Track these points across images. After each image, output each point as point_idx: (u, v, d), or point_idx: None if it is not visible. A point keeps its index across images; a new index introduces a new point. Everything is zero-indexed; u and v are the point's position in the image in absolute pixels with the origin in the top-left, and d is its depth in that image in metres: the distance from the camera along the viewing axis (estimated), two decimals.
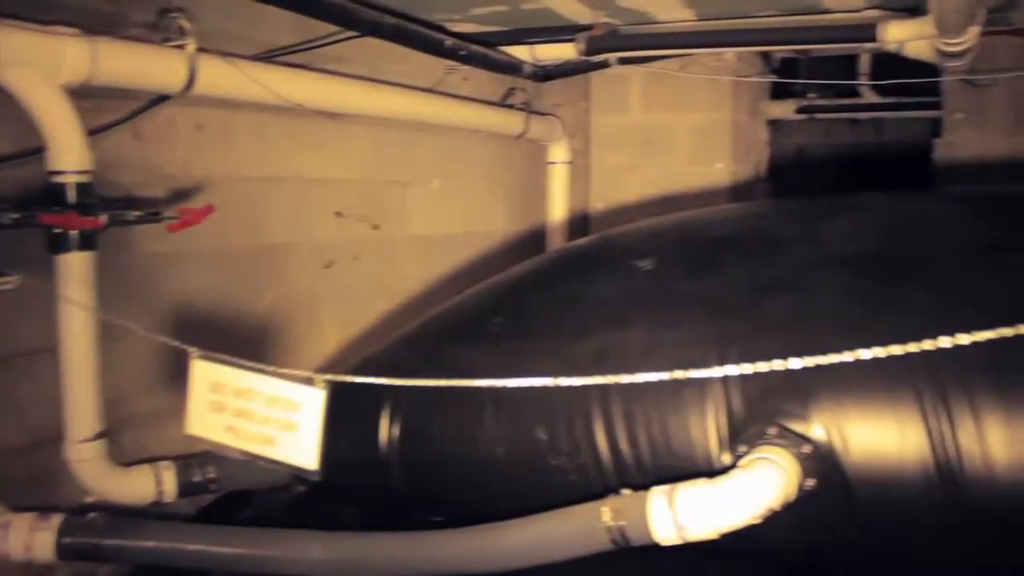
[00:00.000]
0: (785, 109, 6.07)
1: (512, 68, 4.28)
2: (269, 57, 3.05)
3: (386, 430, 2.35)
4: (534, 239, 5.07)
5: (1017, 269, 1.99)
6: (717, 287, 2.22)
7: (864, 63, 5.68)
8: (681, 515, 1.72)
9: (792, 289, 2.13)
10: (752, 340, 2.00)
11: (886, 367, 1.87)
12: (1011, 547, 1.91)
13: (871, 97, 6.03)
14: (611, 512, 1.78)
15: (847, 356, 1.55)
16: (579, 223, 5.05)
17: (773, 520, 1.78)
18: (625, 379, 1.70)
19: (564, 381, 1.76)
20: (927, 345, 1.49)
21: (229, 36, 2.89)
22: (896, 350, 1.52)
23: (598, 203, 4.94)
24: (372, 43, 3.42)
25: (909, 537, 1.96)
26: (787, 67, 5.65)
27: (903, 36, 3.41)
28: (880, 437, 1.87)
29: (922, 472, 1.85)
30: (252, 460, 1.89)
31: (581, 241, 3.06)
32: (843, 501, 1.91)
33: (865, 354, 1.52)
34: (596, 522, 1.80)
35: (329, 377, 1.83)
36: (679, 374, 1.67)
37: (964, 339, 1.46)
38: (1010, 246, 2.08)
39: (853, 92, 5.99)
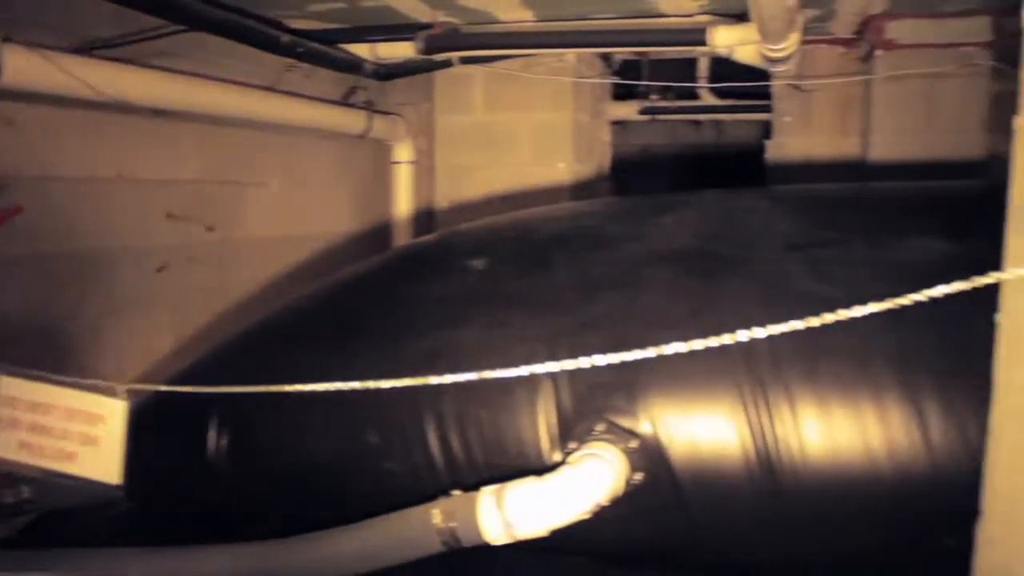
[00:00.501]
0: (628, 110, 6.22)
1: (353, 66, 4.22)
2: (88, 50, 2.89)
3: (214, 439, 2.26)
4: (379, 239, 5.01)
5: (827, 262, 2.08)
6: (548, 285, 2.23)
7: (703, 67, 5.87)
8: (510, 514, 1.72)
9: (621, 286, 2.16)
10: (580, 337, 2.02)
11: (707, 361, 1.93)
12: (829, 531, 1.99)
13: (710, 100, 6.24)
14: (441, 514, 1.77)
15: (667, 350, 1.57)
16: (424, 222, 5.03)
17: (603, 514, 1.80)
18: (449, 379, 1.69)
19: (388, 383, 1.73)
20: (740, 337, 1.53)
21: (46, 27, 2.73)
22: (712, 342, 1.55)
23: (443, 202, 4.93)
24: (207, 38, 3.30)
25: (735, 526, 2.01)
26: (630, 69, 5.79)
27: (731, 41, 3.55)
28: (703, 430, 1.92)
29: (744, 462, 1.91)
30: (50, 478, 1.77)
31: (417, 241, 3.04)
32: (670, 493, 1.95)
33: (681, 347, 1.55)
34: (427, 525, 1.78)
35: (131, 387, 1.74)
36: (505, 373, 1.66)
37: (775, 330, 1.50)
38: (823, 241, 2.18)
39: (694, 95, 6.18)
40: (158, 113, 3.25)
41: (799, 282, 2.03)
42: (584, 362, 1.61)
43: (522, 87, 4.76)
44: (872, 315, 1.83)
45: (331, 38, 4.08)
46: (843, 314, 1.43)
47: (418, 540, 1.80)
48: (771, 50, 3.32)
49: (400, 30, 4.07)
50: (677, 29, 3.76)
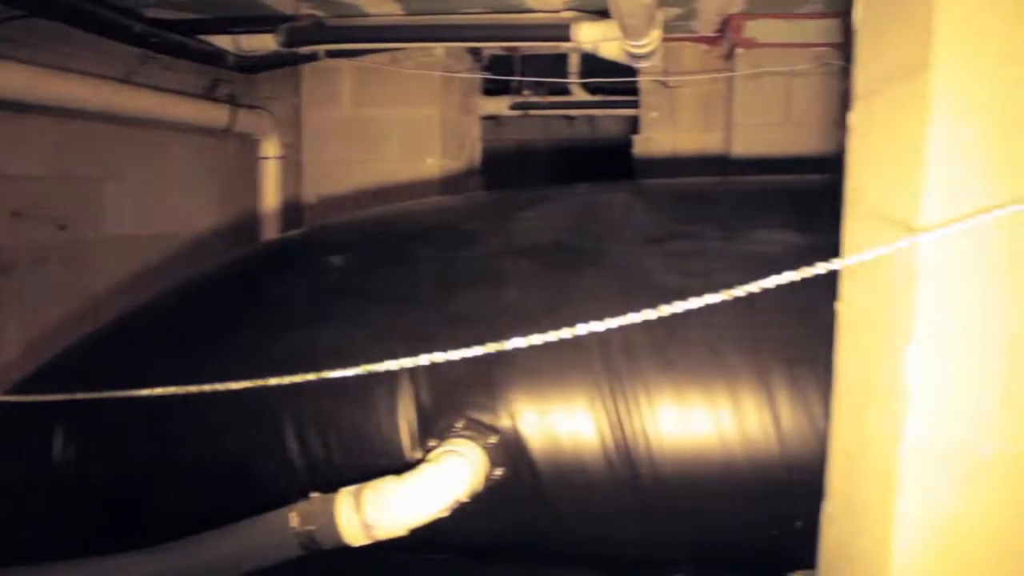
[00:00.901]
0: (499, 105, 6.24)
1: (214, 58, 4.09)
2: None
3: (60, 447, 2.15)
4: (246, 236, 4.88)
5: (683, 254, 2.12)
6: (410, 281, 2.21)
7: (574, 63, 5.94)
8: (369, 515, 1.69)
9: (481, 281, 2.16)
10: (440, 334, 2.01)
11: (564, 356, 1.95)
12: (689, 519, 2.03)
13: (581, 95, 6.31)
14: (299, 517, 1.73)
15: (521, 343, 1.57)
16: (292, 218, 4.92)
17: (464, 510, 1.79)
18: (301, 379, 1.65)
19: (240, 385, 1.68)
20: (593, 328, 1.54)
21: None
22: (565, 334, 1.55)
23: (311, 198, 4.84)
24: (52, 26, 3.14)
25: (597, 517, 2.03)
26: (502, 64, 5.81)
27: (594, 37, 3.59)
28: (562, 423, 1.93)
29: (603, 454, 1.93)
30: None
31: (280, 237, 2.97)
32: (532, 487, 1.96)
33: (536, 340, 1.54)
34: (285, 529, 1.74)
35: None
36: (360, 370, 1.63)
37: (624, 320, 1.51)
38: (680, 234, 2.22)
39: (566, 90, 6.24)
40: (1, 105, 3.08)
41: (655, 274, 2.06)
42: (440, 357, 1.59)
43: (390, 82, 4.71)
44: (725, 306, 1.89)
45: (191, 29, 3.94)
46: (692, 303, 1.44)
47: (277, 544, 1.77)
48: (633, 46, 3.37)
49: (263, 21, 3.97)
50: (542, 24, 3.79)
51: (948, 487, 1.17)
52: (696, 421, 1.92)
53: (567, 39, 3.66)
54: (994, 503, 1.17)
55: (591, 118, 8.05)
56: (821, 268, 1.29)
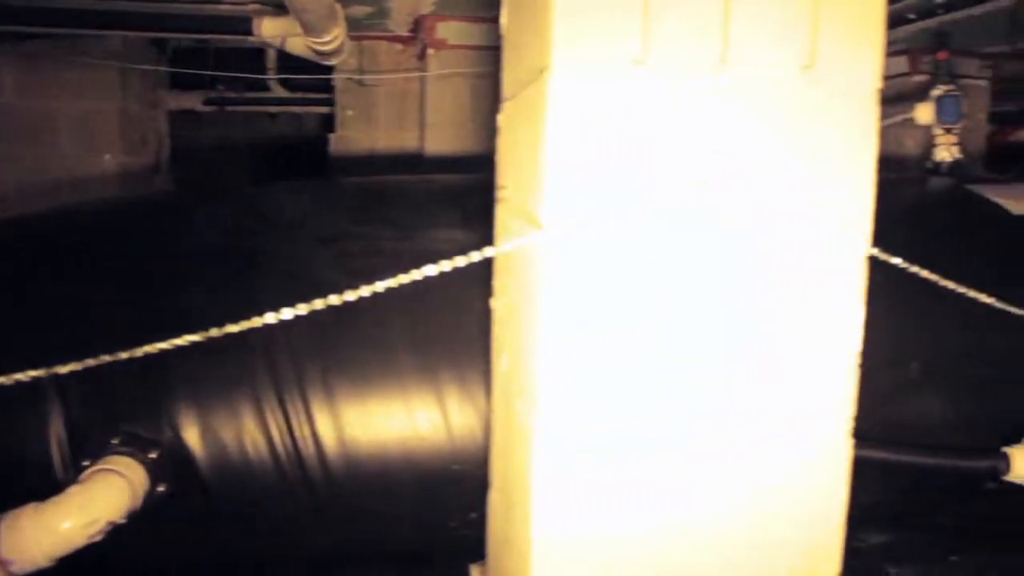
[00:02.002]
0: (191, 100, 5.94)
1: None
2: None
3: None
4: None
5: (354, 254, 2.11)
6: (71, 288, 2.04)
7: (271, 58, 5.77)
8: (4, 548, 1.53)
9: (146, 285, 2.03)
10: (95, 342, 1.86)
11: (229, 363, 1.89)
12: (369, 521, 2.03)
13: (280, 92, 6.16)
14: None
15: (174, 343, 1.48)
16: None
17: (131, 531, 1.68)
18: None
19: None
20: (248, 325, 1.48)
21: None
22: (215, 333, 1.49)
23: None
24: None
25: (273, 527, 1.98)
26: (194, 57, 5.53)
27: (276, 32, 3.50)
28: (228, 432, 1.86)
29: (272, 463, 1.87)
30: None
31: None
32: (202, 502, 1.87)
33: (191, 340, 1.47)
34: None
35: None
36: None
37: (273, 318, 1.46)
38: (353, 234, 2.21)
39: (266, 86, 6.06)
40: None
41: (324, 274, 2.04)
42: (87, 364, 1.47)
43: (63, 72, 4.33)
44: (396, 307, 1.90)
45: None
46: (348, 295, 1.42)
47: None
48: (316, 43, 3.32)
49: None
50: (224, 17, 3.64)
51: (581, 473, 1.23)
52: (369, 421, 1.92)
53: (250, 33, 3.54)
54: (630, 490, 1.25)
55: (296, 115, 7.87)
56: (462, 261, 1.32)
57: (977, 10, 3.08)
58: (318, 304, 1.43)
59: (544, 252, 1.19)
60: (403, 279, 1.39)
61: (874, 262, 1.29)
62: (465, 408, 1.93)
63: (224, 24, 3.66)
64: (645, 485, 1.26)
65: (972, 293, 1.50)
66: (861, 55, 1.23)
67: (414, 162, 4.76)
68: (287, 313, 1.45)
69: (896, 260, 1.26)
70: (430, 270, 1.39)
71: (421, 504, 2.02)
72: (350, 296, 1.38)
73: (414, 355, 1.96)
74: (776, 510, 1.31)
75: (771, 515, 1.31)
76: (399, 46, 5.02)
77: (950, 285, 1.43)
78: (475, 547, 1.85)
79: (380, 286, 1.36)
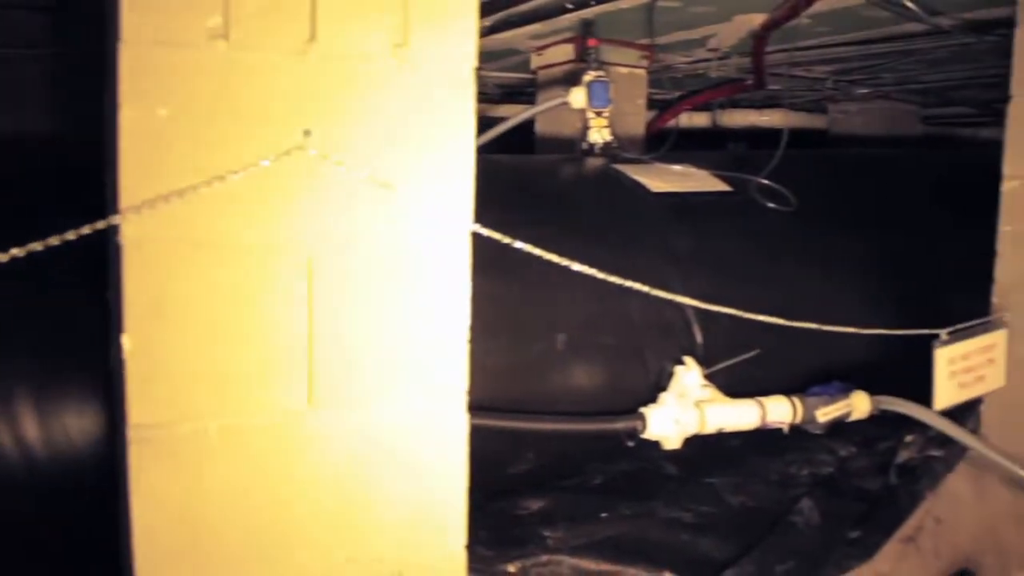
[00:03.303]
0: None
1: None
2: None
3: None
4: None
5: None
6: None
7: None
8: None
9: None
10: None
11: None
12: None
13: None
14: None
15: None
16: None
17: None
18: None
19: None
20: None
21: None
22: None
23: None
24: None
25: None
26: None
27: None
28: None
29: None
30: None
31: None
32: None
33: None
34: None
35: None
36: None
37: None
38: None
39: None
40: None
41: None
42: None
43: None
44: None
45: None
46: None
47: None
48: None
49: None
50: None
51: (167, 470, 1.17)
52: None
53: None
54: (218, 480, 1.21)
55: None
56: None
57: (627, 3, 3.31)
58: None
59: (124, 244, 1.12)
60: None
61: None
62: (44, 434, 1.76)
63: None
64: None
65: (589, 270, 1.58)
66: (454, 36, 1.26)
67: None
68: None
69: (497, 235, 1.30)
70: None
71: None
72: None
73: None
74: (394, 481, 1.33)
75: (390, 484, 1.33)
76: None
77: (564, 262, 1.50)
78: None
79: None
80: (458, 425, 1.35)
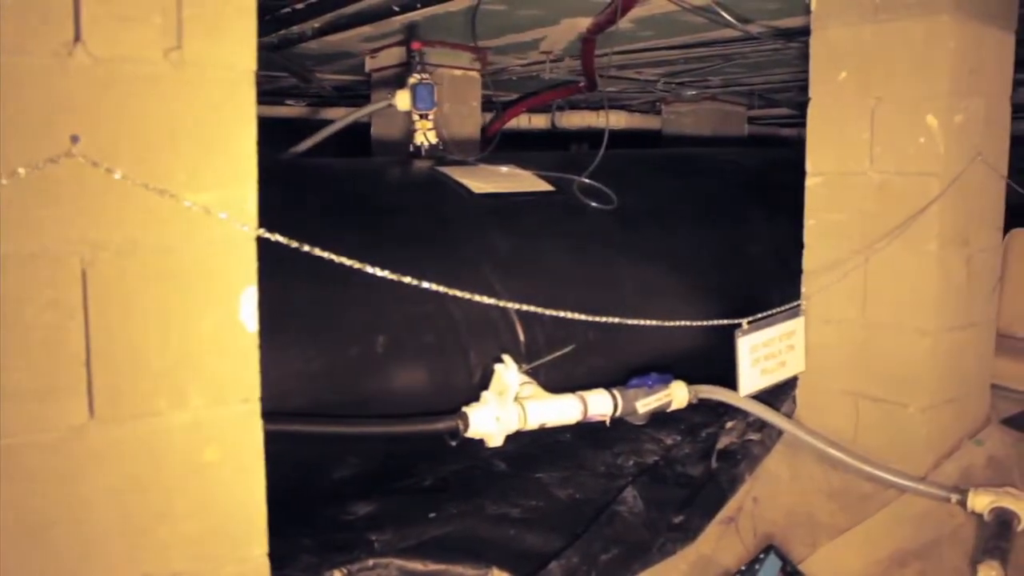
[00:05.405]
0: None
1: None
2: None
3: None
4: None
5: None
6: None
7: None
8: None
9: None
10: None
11: None
12: None
13: None
14: None
15: None
16: None
17: None
18: None
19: None
20: None
21: None
22: None
23: None
24: None
25: None
26: None
27: None
28: None
29: None
30: None
31: None
32: None
33: None
34: None
35: None
36: None
37: None
38: None
39: None
40: None
41: None
42: None
43: None
44: None
45: None
46: None
47: None
48: None
49: None
50: None
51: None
52: None
53: None
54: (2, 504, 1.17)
55: None
56: None
57: (453, 6, 3.33)
58: None
59: None
60: None
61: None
62: None
63: None
64: None
65: (370, 268, 1.58)
66: (231, 39, 1.24)
67: None
68: None
69: (280, 238, 1.29)
70: None
71: None
72: None
73: None
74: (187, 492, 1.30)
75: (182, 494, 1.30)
76: None
77: (358, 265, 1.49)
78: None
79: None
80: (252, 431, 1.33)
